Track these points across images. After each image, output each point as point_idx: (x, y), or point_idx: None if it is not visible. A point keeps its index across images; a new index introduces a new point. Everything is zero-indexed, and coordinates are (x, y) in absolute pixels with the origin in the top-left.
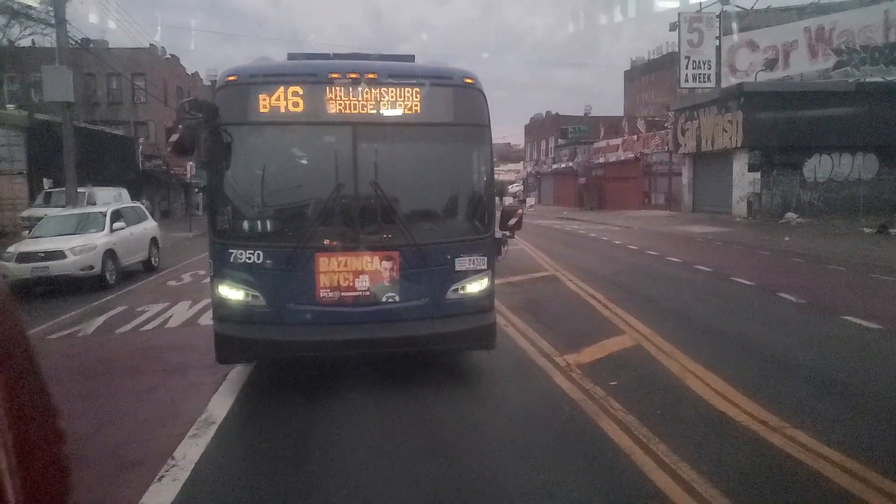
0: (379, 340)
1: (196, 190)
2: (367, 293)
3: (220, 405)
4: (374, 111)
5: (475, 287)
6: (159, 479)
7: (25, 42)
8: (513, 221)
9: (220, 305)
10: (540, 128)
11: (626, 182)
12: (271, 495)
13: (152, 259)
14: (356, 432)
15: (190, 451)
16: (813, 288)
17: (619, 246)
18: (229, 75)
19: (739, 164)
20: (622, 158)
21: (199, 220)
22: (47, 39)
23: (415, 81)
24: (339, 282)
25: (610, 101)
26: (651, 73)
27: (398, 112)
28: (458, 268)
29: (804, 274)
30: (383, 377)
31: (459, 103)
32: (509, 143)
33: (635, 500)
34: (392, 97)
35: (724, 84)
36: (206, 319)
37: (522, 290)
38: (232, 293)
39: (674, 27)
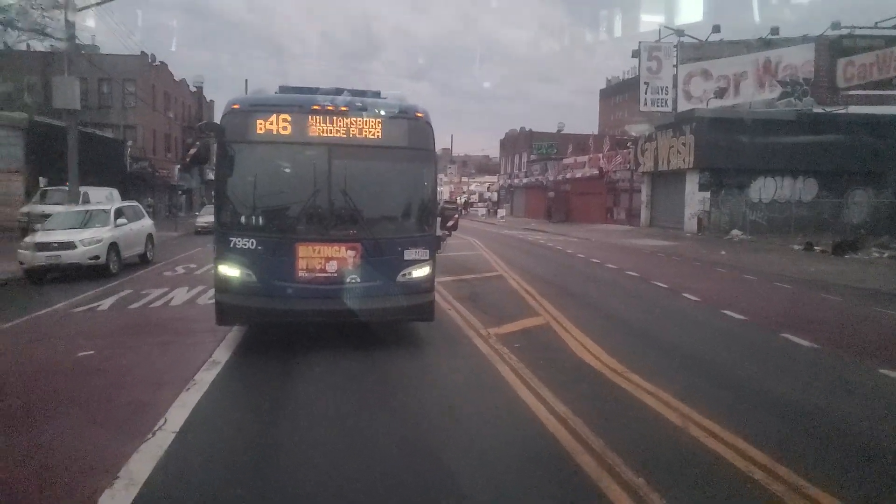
0: (343, 311)
1: (180, 192)
2: (335, 275)
3: (222, 355)
4: (345, 135)
5: (419, 273)
6: (186, 390)
7: (20, 46)
8: (450, 224)
9: (221, 280)
10: (514, 142)
11: (591, 197)
12: (264, 401)
13: (148, 253)
14: (325, 371)
15: (204, 377)
16: (715, 291)
17: (570, 255)
18: (233, 104)
19: (691, 184)
20: (588, 175)
21: (183, 220)
22: (42, 43)
23: (377, 114)
24: (313, 265)
25: (589, 117)
26: (625, 93)
27: (363, 137)
28: (406, 258)
29: (716, 280)
30: (346, 340)
31: (411, 132)
32: (487, 156)
33: (511, 410)
34: (359, 125)
35: (679, 109)
36: (204, 300)
37: (470, 286)
38: (231, 271)
39: (636, 55)
